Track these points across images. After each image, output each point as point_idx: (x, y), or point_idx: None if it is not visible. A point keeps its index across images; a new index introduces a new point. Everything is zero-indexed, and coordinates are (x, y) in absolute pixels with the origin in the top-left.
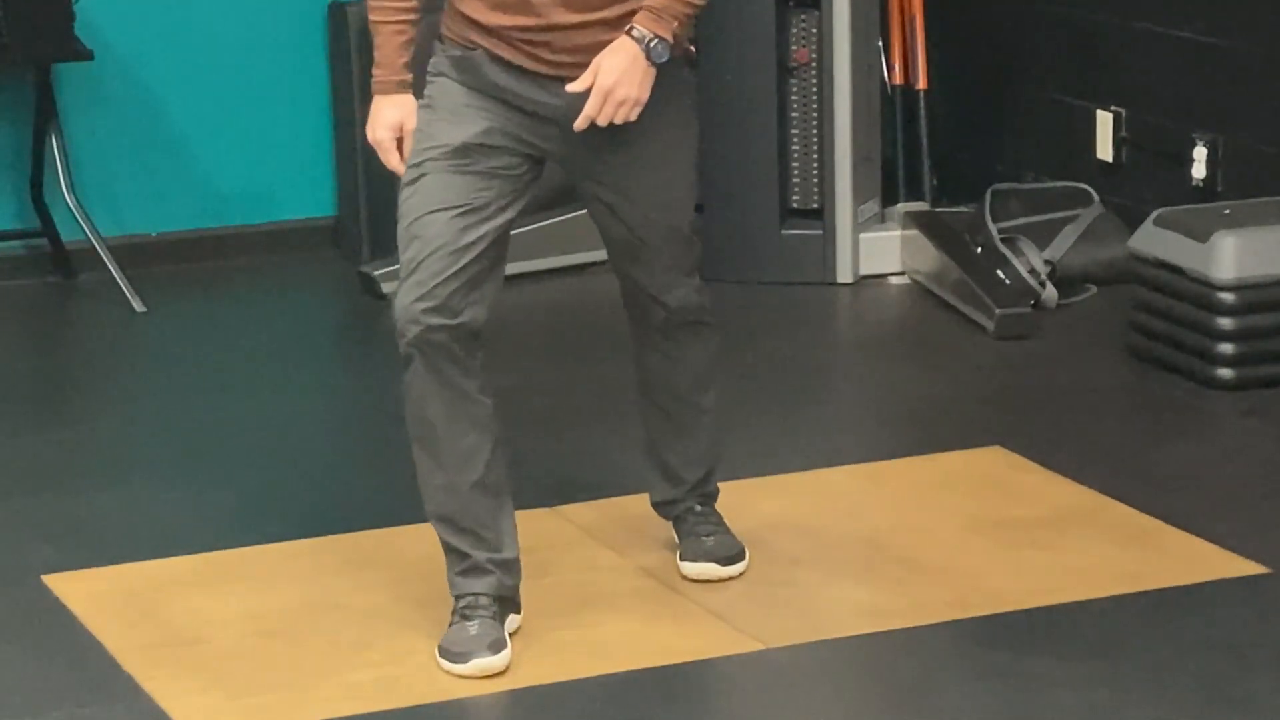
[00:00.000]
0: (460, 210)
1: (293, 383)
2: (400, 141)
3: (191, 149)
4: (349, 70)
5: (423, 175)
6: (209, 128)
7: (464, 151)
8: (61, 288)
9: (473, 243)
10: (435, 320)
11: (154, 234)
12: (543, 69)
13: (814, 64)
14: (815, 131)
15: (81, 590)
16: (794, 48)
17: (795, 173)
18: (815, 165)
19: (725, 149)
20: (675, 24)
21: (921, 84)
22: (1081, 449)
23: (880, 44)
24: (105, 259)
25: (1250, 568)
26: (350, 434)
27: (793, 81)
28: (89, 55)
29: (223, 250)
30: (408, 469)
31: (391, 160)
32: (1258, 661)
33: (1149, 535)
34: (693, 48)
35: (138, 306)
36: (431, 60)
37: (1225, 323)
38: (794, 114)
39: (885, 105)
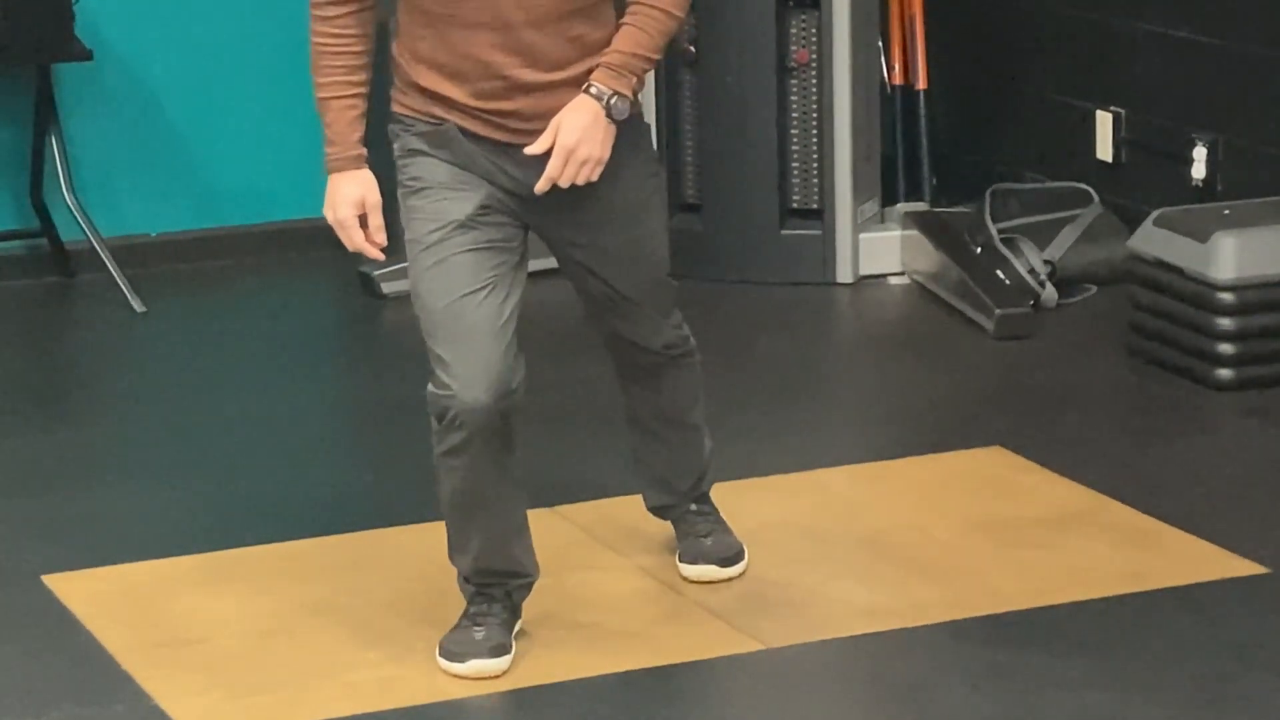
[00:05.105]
0: (488, 289)
1: (292, 382)
2: (364, 219)
3: (191, 149)
4: None
5: (442, 258)
6: (209, 128)
7: (471, 226)
8: (61, 288)
9: (508, 318)
10: (501, 404)
11: (154, 234)
12: (514, 139)
13: (814, 64)
14: (815, 131)
15: (81, 590)
16: (794, 48)
17: (795, 173)
18: (815, 165)
19: (725, 149)
20: (634, 80)
21: (921, 84)
22: (1082, 449)
23: (880, 44)
24: (105, 259)
25: (1250, 568)
26: (350, 434)
27: (793, 81)
28: (89, 55)
29: (223, 250)
30: (407, 469)
31: (356, 239)
32: (1258, 661)
33: (1149, 535)
34: (692, 47)
35: (137, 306)
36: (397, 142)
37: (1225, 323)
38: (794, 114)
39: (885, 105)
